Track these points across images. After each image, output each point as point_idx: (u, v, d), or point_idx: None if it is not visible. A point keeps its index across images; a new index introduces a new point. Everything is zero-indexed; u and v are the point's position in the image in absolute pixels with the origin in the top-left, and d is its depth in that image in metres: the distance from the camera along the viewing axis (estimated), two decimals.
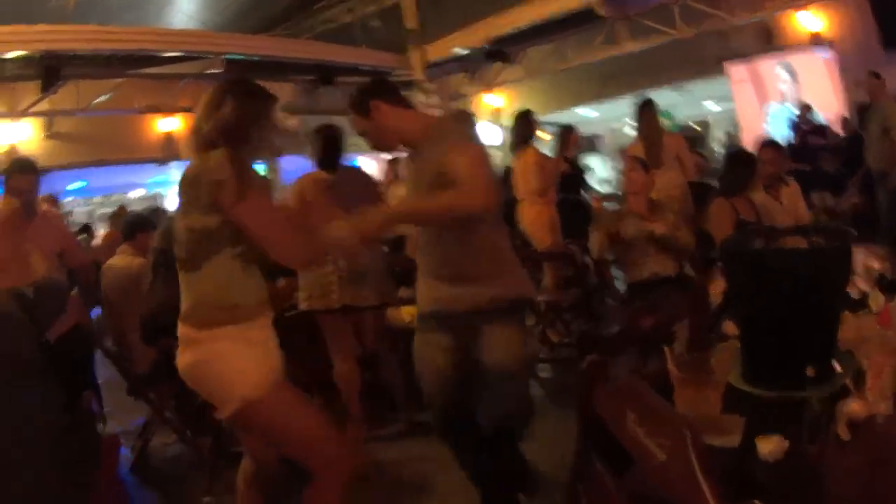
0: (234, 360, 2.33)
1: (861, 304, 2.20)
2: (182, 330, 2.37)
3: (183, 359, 2.37)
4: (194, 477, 4.10)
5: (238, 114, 2.34)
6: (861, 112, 8.08)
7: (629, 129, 6.80)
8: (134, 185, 17.77)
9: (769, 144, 5.48)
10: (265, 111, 2.45)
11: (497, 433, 2.79)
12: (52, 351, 2.67)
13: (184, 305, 2.38)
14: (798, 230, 2.15)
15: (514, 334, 2.76)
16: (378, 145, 2.87)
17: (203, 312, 2.34)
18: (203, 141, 2.33)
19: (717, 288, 2.56)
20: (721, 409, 1.74)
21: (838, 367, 1.69)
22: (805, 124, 9.22)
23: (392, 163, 7.86)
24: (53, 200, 5.93)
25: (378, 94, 2.75)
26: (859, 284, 2.33)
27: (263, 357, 2.40)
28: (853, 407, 1.54)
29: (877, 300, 2.12)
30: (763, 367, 1.69)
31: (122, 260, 4.82)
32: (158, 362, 4.19)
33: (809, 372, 1.60)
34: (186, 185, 2.32)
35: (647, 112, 6.17)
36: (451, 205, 2.51)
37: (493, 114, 13.77)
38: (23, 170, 4.21)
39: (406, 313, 4.71)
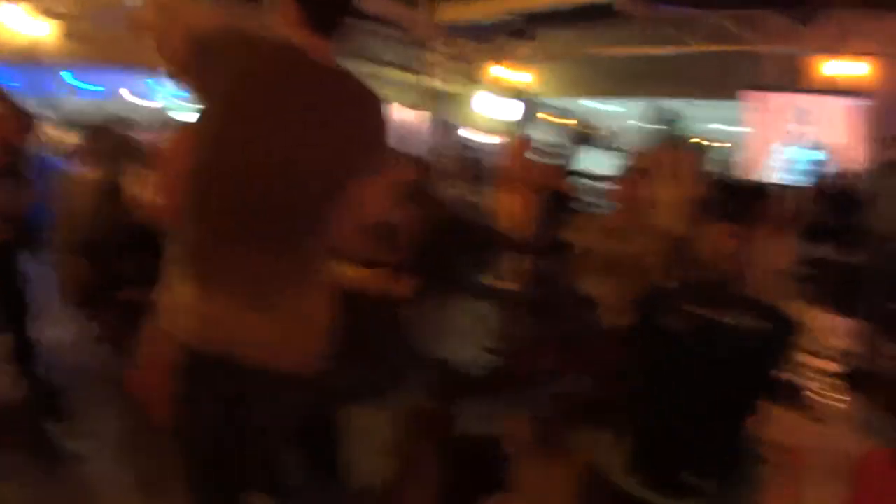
0: None
1: (796, 394, 1.87)
2: None
3: None
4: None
5: None
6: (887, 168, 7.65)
7: (634, 131, 6.71)
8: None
9: (754, 186, 5.36)
10: None
11: None
12: None
13: None
14: (732, 303, 1.84)
15: None
16: None
17: None
18: None
19: None
20: (576, 495, 1.55)
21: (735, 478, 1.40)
22: (824, 170, 9.04)
23: None
24: None
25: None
26: (813, 363, 1.99)
27: None
28: None
29: (822, 400, 1.75)
30: (637, 457, 1.48)
31: (95, 173, 4.66)
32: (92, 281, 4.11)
33: (688, 479, 1.33)
34: None
35: (672, 127, 6.10)
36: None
37: (504, 87, 13.51)
38: None
39: None
